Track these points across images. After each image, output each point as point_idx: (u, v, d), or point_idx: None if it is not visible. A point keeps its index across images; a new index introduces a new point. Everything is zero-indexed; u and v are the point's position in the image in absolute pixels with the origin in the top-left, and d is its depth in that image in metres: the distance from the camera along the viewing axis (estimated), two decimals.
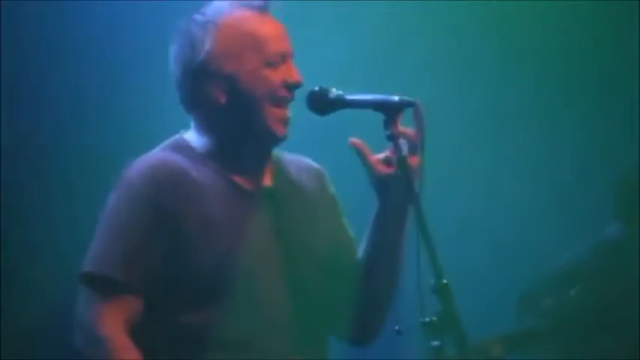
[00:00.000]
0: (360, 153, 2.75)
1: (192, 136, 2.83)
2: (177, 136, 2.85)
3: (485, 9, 5.25)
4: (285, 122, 2.77)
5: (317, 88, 2.76)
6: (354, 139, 2.76)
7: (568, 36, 5.33)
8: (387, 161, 2.74)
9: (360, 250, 2.89)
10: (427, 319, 2.52)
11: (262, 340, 2.72)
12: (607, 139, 5.20)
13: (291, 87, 2.76)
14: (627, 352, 3.62)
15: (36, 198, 5.24)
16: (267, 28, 2.79)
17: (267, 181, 2.83)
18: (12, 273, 5.21)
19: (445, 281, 2.51)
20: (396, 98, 2.67)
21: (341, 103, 2.75)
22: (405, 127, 2.69)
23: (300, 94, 2.81)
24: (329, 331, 2.88)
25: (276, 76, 2.75)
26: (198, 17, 2.80)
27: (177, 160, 2.76)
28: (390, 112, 2.67)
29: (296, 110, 2.82)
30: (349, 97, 2.75)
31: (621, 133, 5.19)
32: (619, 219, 3.94)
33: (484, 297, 3.85)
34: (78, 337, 2.67)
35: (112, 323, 2.65)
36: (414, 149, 2.68)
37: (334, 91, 2.75)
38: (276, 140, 2.79)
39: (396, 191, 2.75)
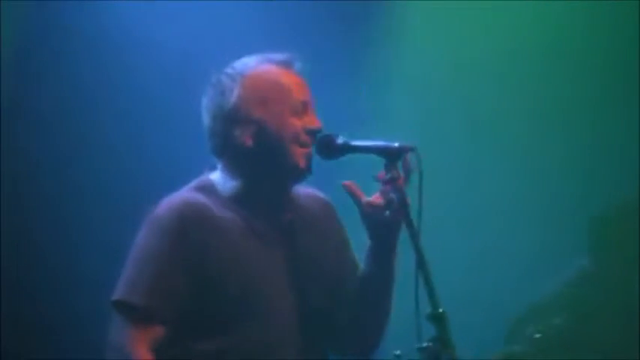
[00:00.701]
0: (352, 194, 3.01)
1: (218, 179, 3.07)
2: (203, 177, 3.10)
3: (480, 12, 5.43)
4: (308, 158, 3.02)
5: (325, 135, 3.02)
6: (346, 182, 3.02)
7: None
8: (374, 203, 2.98)
9: (358, 275, 3.13)
10: (424, 345, 2.75)
11: (269, 350, 2.96)
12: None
13: (312, 132, 3.02)
14: None
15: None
16: (290, 79, 3.05)
17: (284, 215, 3.08)
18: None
19: (441, 310, 2.74)
20: (396, 144, 2.92)
21: (347, 149, 3.00)
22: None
23: None
24: (333, 346, 3.13)
25: (298, 123, 3.01)
26: (228, 70, 3.07)
27: (202, 200, 3.02)
28: (391, 157, 2.92)
29: None
30: (354, 143, 3.01)
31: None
32: (592, 253, 4.14)
33: (473, 321, 4.03)
34: (110, 357, 2.92)
35: (142, 348, 2.90)
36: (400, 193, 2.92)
37: (341, 138, 3.01)
38: (301, 174, 3.04)
39: (383, 228, 3.00)
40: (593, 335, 4.02)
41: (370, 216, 3.01)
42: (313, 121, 3.04)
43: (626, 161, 5.16)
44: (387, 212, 2.95)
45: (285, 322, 3.01)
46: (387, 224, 2.99)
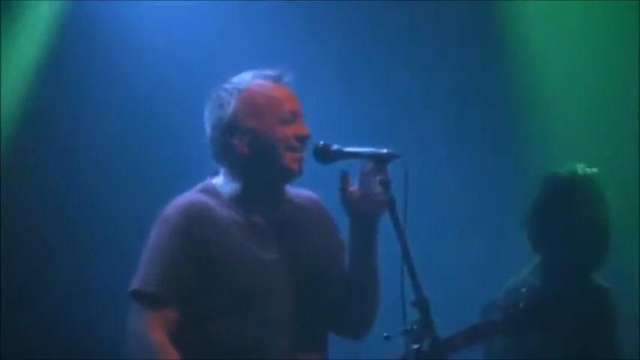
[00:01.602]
0: (344, 180, 3.34)
1: (219, 183, 3.43)
2: (206, 182, 3.45)
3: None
4: (299, 162, 3.37)
5: (321, 143, 3.37)
6: (344, 171, 3.35)
7: None
8: (356, 193, 3.32)
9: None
10: (409, 328, 3.09)
11: (272, 341, 3.32)
12: None
13: (301, 139, 3.38)
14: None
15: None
16: (280, 92, 3.41)
17: (277, 216, 3.43)
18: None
19: (424, 297, 3.09)
20: (384, 151, 3.27)
21: (341, 155, 3.35)
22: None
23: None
24: (329, 328, 3.47)
25: (288, 131, 3.37)
26: (226, 85, 3.44)
27: (205, 200, 3.38)
28: (379, 161, 3.28)
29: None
30: (347, 149, 3.35)
31: None
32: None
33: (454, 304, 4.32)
34: (130, 343, 3.26)
35: (158, 331, 3.24)
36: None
37: (335, 146, 3.36)
38: (292, 175, 3.40)
39: (361, 212, 3.33)
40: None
41: (351, 203, 3.33)
42: (302, 129, 3.39)
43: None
44: (368, 202, 3.28)
45: (281, 310, 3.34)
46: (366, 212, 3.32)
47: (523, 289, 3.85)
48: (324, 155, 3.37)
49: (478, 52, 5.74)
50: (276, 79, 3.43)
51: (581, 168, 4.26)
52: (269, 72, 3.43)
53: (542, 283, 4.12)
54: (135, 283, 3.31)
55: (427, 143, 5.52)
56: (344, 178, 3.35)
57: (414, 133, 5.47)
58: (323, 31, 5.61)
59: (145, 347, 3.24)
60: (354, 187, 3.34)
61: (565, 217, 4.20)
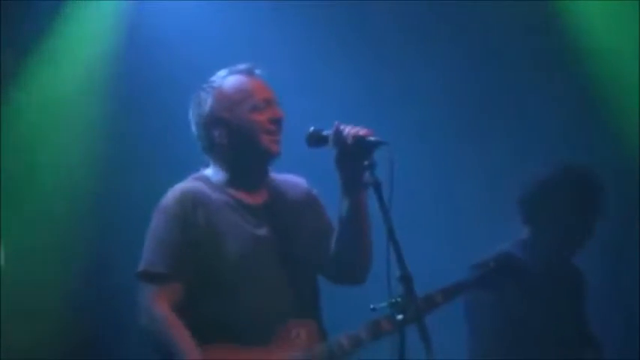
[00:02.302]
0: (338, 130, 3.58)
1: (210, 172, 3.76)
2: (199, 172, 3.77)
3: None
4: (277, 143, 3.68)
5: (312, 129, 3.66)
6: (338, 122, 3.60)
7: None
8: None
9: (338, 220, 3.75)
10: (394, 300, 3.36)
11: (268, 309, 3.63)
12: None
13: (276, 122, 3.69)
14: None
15: None
16: (252, 84, 3.74)
17: (264, 196, 3.75)
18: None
19: (408, 273, 3.34)
20: (372, 138, 3.55)
21: (328, 140, 3.62)
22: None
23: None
24: (329, 279, 3.80)
25: (262, 117, 3.68)
26: (204, 85, 3.76)
27: (198, 186, 3.70)
28: (368, 147, 3.55)
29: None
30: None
31: None
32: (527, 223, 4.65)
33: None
34: (141, 318, 3.59)
35: (164, 305, 3.57)
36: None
37: (325, 131, 3.64)
38: (272, 156, 3.71)
39: (345, 167, 3.59)
40: None
41: (337, 148, 3.59)
42: (276, 113, 3.70)
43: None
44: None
45: (274, 281, 3.67)
46: (353, 168, 3.58)
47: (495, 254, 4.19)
48: (317, 140, 3.66)
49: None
50: (248, 73, 3.75)
51: (586, 164, 4.69)
52: (241, 66, 3.75)
53: (525, 254, 4.46)
54: (141, 266, 3.64)
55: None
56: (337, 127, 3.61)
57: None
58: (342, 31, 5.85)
59: (154, 320, 3.56)
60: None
61: (563, 202, 4.57)
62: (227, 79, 3.75)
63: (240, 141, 3.70)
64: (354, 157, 3.56)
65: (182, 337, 3.54)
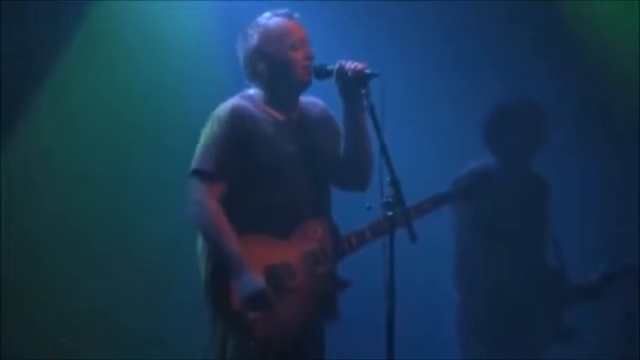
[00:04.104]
0: (341, 66, 4.40)
1: (254, 92, 4.53)
2: (244, 91, 4.53)
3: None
4: (309, 74, 4.46)
5: (318, 64, 4.46)
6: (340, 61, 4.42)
7: None
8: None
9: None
10: (385, 200, 4.16)
11: (293, 203, 4.45)
12: None
13: (308, 58, 4.46)
14: None
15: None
16: (290, 25, 4.50)
17: (294, 115, 4.54)
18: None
19: (396, 178, 4.12)
20: (368, 71, 4.35)
21: (333, 73, 4.43)
22: None
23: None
24: (338, 185, 4.59)
25: (298, 54, 4.46)
26: (250, 24, 4.53)
27: (244, 103, 4.49)
28: (364, 78, 4.35)
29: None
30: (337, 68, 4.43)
31: None
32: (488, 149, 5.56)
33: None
34: (192, 208, 4.37)
35: (212, 200, 4.36)
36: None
37: (330, 66, 4.44)
38: (305, 85, 4.50)
39: (347, 94, 4.41)
40: None
41: (340, 79, 4.40)
42: (308, 51, 4.48)
43: None
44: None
45: (299, 181, 4.47)
46: (353, 95, 4.39)
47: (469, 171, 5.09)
48: (322, 73, 4.47)
49: None
50: (288, 16, 4.51)
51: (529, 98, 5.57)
52: (282, 11, 4.51)
53: (496, 169, 5.38)
54: (194, 164, 4.42)
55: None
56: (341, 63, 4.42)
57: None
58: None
59: (203, 211, 4.36)
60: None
61: (515, 128, 5.51)
62: (271, 20, 4.49)
63: (279, 72, 4.46)
64: (353, 87, 4.37)
65: (226, 226, 4.33)
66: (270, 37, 4.47)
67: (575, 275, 5.48)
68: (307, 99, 4.61)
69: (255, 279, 4.30)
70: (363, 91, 4.33)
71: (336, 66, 4.42)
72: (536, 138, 5.51)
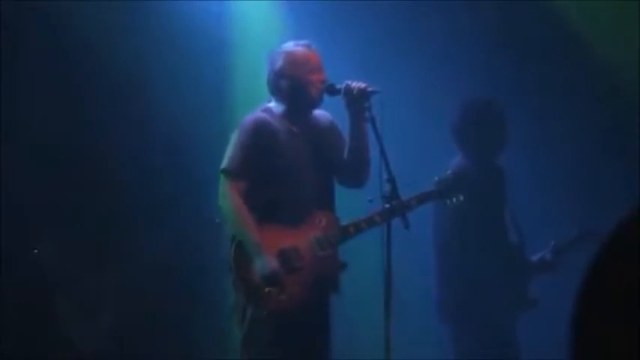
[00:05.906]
0: (347, 85, 5.23)
1: (273, 105, 5.38)
2: (266, 105, 5.38)
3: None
4: (320, 95, 5.29)
5: (329, 84, 5.29)
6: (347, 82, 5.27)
7: None
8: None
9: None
10: (383, 194, 5.00)
11: (304, 199, 5.28)
12: None
13: (322, 82, 5.29)
14: None
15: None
16: (310, 54, 5.36)
17: (307, 126, 5.37)
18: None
19: (393, 176, 4.97)
20: (370, 89, 5.20)
21: (340, 91, 5.28)
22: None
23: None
24: (340, 182, 5.40)
25: (314, 77, 5.30)
26: (276, 49, 5.40)
27: (265, 116, 5.35)
28: (366, 95, 5.22)
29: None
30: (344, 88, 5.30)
31: None
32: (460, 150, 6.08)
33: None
34: (222, 199, 5.20)
35: (236, 195, 5.21)
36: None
37: (339, 85, 5.28)
38: (317, 103, 5.35)
39: (352, 108, 5.18)
40: None
41: (346, 96, 5.23)
42: (322, 76, 5.31)
43: None
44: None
45: (309, 181, 5.30)
46: (357, 109, 5.21)
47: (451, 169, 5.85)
48: (331, 91, 5.33)
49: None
50: (307, 46, 5.39)
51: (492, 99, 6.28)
52: (303, 42, 5.38)
53: (467, 166, 6.09)
54: (222, 164, 5.26)
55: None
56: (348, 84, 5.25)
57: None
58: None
59: (231, 202, 5.19)
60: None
61: (482, 129, 6.18)
62: (293, 48, 5.32)
63: (298, 91, 5.29)
64: (357, 102, 5.23)
65: (247, 216, 5.19)
66: (293, 62, 5.32)
67: (532, 251, 6.19)
68: (317, 112, 5.44)
69: (269, 260, 5.14)
70: (366, 105, 5.19)
71: (344, 85, 5.26)
72: (503, 138, 6.10)
